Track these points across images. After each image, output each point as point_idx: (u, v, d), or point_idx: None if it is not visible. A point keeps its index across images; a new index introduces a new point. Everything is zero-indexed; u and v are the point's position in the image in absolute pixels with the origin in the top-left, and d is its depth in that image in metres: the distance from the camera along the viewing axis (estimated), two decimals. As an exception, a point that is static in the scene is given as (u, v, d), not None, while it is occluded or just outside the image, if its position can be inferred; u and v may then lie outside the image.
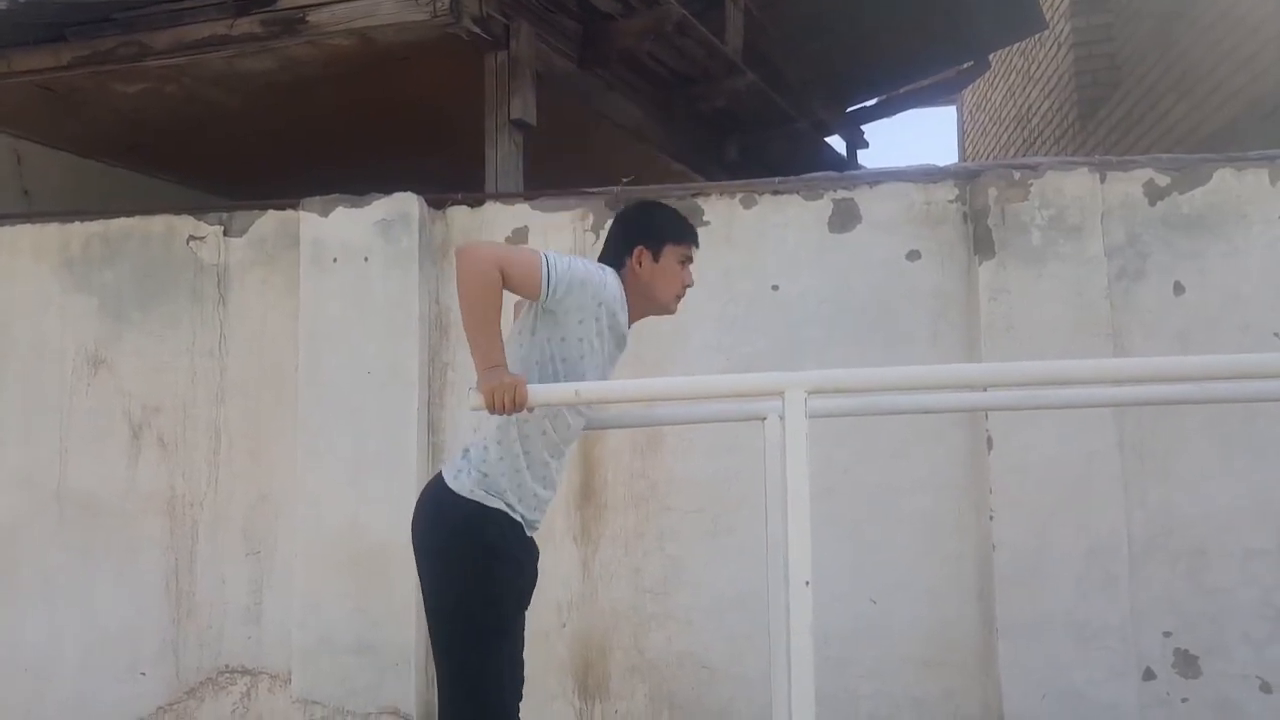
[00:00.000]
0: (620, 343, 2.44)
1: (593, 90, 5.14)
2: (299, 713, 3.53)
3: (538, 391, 2.21)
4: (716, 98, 5.78)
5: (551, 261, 2.28)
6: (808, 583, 1.96)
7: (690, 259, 2.50)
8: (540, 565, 2.48)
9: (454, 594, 2.31)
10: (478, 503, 2.31)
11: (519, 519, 2.36)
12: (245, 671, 3.67)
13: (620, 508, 3.60)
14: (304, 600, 3.58)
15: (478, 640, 2.30)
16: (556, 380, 2.32)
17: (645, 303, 2.46)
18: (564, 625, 3.56)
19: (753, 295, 3.61)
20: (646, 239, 2.45)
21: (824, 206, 3.62)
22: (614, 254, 2.47)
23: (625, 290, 2.40)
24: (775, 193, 3.65)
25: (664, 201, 2.75)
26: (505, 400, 2.16)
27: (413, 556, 2.38)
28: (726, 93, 5.75)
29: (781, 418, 2.07)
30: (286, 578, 3.64)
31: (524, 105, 4.42)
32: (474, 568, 2.30)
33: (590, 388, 2.31)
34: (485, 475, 2.33)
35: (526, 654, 2.41)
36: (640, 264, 2.43)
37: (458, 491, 2.32)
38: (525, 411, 2.23)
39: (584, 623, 3.57)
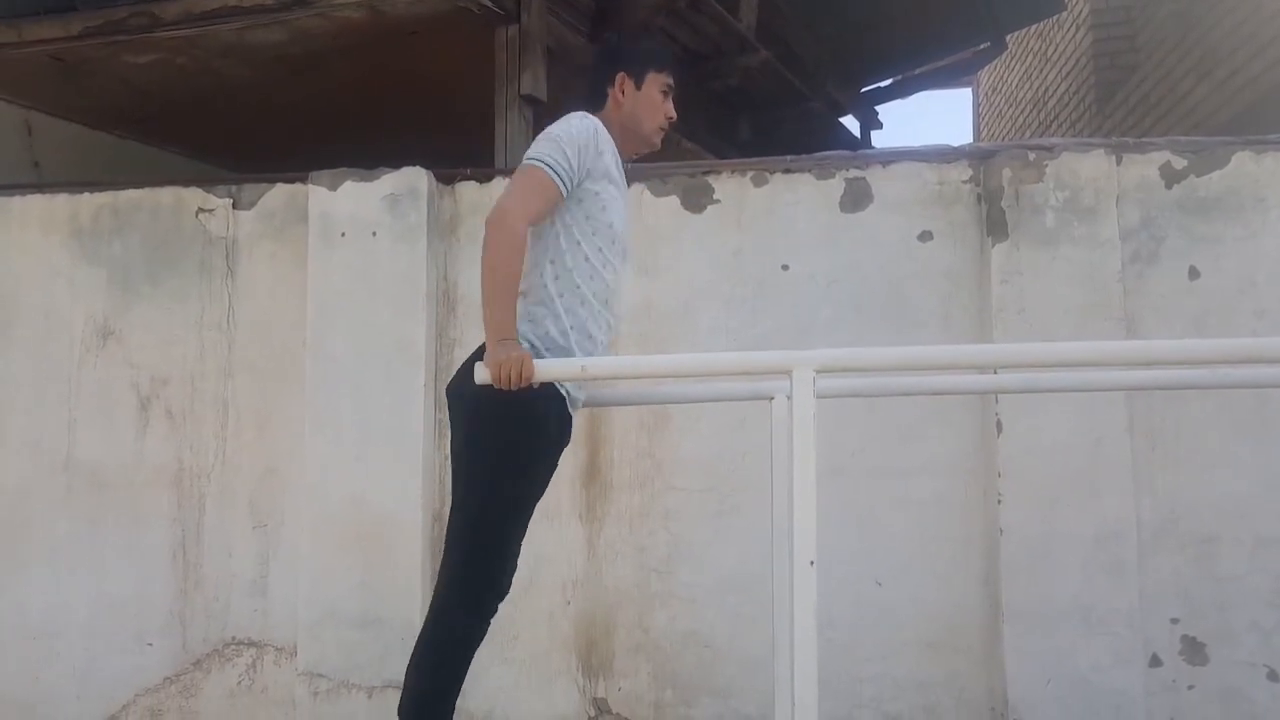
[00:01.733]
0: (623, 177, 2.47)
1: (604, 66, 5.10)
2: (304, 685, 3.54)
3: (544, 366, 2.19)
4: (729, 75, 5.73)
5: (552, 162, 2.29)
6: (812, 563, 1.95)
7: (672, 89, 2.51)
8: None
9: (490, 463, 2.31)
10: None
11: (565, 394, 2.37)
12: (251, 644, 3.68)
13: (625, 486, 3.59)
14: (310, 574, 3.59)
15: (499, 509, 2.31)
16: (595, 237, 2.36)
17: (628, 136, 2.48)
18: (568, 603, 3.56)
19: (762, 275, 3.59)
20: (629, 65, 2.47)
21: (836, 186, 3.58)
22: (596, 85, 2.49)
23: (609, 128, 2.43)
24: (787, 171, 3.62)
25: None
26: (512, 374, 2.15)
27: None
28: (740, 70, 5.70)
29: (789, 397, 2.06)
30: (293, 551, 3.64)
31: (534, 80, 4.39)
32: (516, 441, 2.30)
33: (597, 363, 2.30)
34: (535, 348, 2.32)
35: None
36: (623, 92, 2.46)
37: None
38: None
39: (588, 601, 3.57)
